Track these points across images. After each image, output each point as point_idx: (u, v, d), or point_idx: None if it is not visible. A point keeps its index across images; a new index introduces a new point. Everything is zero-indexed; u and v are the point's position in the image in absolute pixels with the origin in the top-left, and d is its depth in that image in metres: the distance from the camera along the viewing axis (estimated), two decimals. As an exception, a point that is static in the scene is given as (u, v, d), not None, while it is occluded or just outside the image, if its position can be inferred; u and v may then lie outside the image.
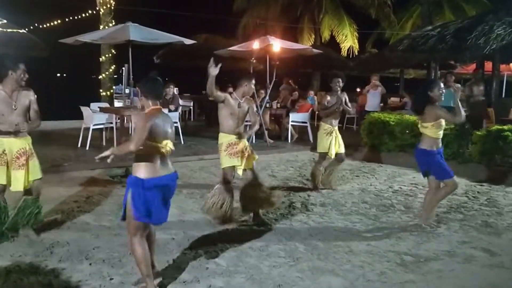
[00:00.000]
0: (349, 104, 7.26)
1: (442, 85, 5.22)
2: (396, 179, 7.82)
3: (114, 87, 14.96)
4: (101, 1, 14.04)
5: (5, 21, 13.04)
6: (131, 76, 10.76)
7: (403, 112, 10.95)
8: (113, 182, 7.06)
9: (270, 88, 11.39)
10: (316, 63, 17.64)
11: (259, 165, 7.59)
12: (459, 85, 10.99)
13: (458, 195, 6.59)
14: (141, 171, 3.32)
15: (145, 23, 11.12)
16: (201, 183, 7.19)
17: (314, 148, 10.62)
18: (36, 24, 13.99)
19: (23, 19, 14.46)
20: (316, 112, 15.10)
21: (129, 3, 14.10)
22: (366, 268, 4.13)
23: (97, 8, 14.11)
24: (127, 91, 11.71)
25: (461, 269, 4.18)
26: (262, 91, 11.68)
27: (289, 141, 11.25)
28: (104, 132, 10.04)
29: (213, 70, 5.09)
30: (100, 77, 14.59)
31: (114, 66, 14.54)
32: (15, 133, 4.42)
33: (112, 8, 14.15)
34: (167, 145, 3.37)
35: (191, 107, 15.81)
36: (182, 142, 9.98)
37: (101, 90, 14.55)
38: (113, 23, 13.56)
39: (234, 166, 5.19)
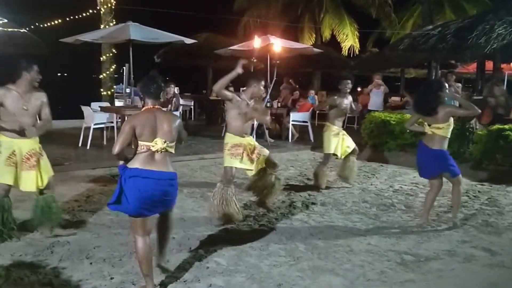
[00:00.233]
0: (354, 104, 7.26)
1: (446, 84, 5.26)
2: (397, 178, 7.82)
3: (114, 86, 14.95)
4: (102, 0, 14.04)
5: (5, 20, 13.05)
6: (132, 76, 10.78)
7: (403, 111, 10.95)
8: (113, 182, 7.06)
9: (271, 87, 11.38)
10: (317, 62, 17.64)
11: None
12: (459, 85, 10.98)
13: (461, 195, 6.57)
14: (131, 163, 3.39)
15: (146, 23, 11.14)
16: (202, 183, 7.20)
17: (315, 147, 10.66)
18: (36, 24, 14.01)
19: (23, 18, 14.47)
20: (317, 112, 15.14)
21: (129, 3, 14.11)
22: (366, 267, 4.13)
23: (98, 8, 14.09)
24: (127, 90, 11.71)
25: (461, 268, 4.18)
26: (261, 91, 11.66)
27: (290, 140, 11.25)
28: (105, 132, 10.05)
29: (239, 70, 5.13)
30: (101, 76, 14.58)
31: (114, 65, 14.53)
32: (25, 134, 4.42)
33: (113, 7, 14.13)
34: (157, 143, 3.35)
35: (192, 107, 15.82)
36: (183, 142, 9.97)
37: (101, 90, 14.55)
38: (114, 23, 13.55)
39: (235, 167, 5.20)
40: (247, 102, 5.25)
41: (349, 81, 6.81)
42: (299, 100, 13.57)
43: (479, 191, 6.95)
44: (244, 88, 11.04)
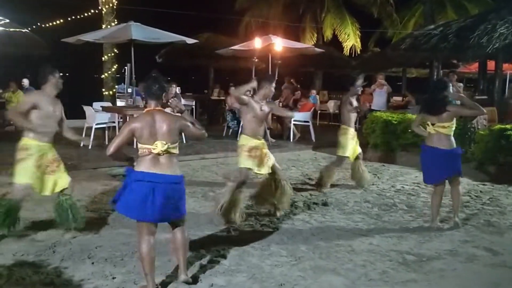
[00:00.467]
0: (363, 105, 7.34)
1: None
2: (399, 178, 7.81)
3: (116, 86, 14.99)
4: (104, 0, 14.05)
5: (7, 20, 13.08)
6: (134, 75, 10.79)
7: (406, 111, 10.93)
8: (115, 181, 7.07)
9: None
10: (318, 62, 17.63)
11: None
12: (461, 84, 10.97)
13: (461, 194, 6.56)
14: (138, 166, 3.42)
15: (147, 23, 11.15)
16: (203, 182, 7.20)
17: (316, 147, 10.66)
18: (38, 24, 14.05)
19: (25, 18, 14.52)
20: (318, 112, 15.13)
21: (131, 3, 14.13)
22: (368, 267, 4.12)
23: (100, 8, 14.12)
24: (129, 90, 11.75)
25: (463, 268, 4.17)
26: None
27: (291, 140, 11.24)
28: (106, 131, 10.06)
29: (253, 84, 5.28)
30: (103, 76, 14.60)
31: (116, 65, 14.56)
32: (50, 138, 4.60)
33: (115, 7, 14.16)
34: (157, 146, 3.33)
35: (193, 107, 15.82)
36: (184, 141, 9.99)
37: (103, 89, 14.57)
38: (116, 23, 13.58)
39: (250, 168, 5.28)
40: (260, 104, 5.30)
41: (360, 82, 6.86)
42: (301, 100, 13.57)
43: (481, 191, 6.94)
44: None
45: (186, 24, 18.30)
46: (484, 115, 7.92)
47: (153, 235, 3.50)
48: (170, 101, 3.50)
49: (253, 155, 5.26)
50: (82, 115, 9.91)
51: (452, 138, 5.08)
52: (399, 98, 15.47)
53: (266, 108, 5.34)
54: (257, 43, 11.23)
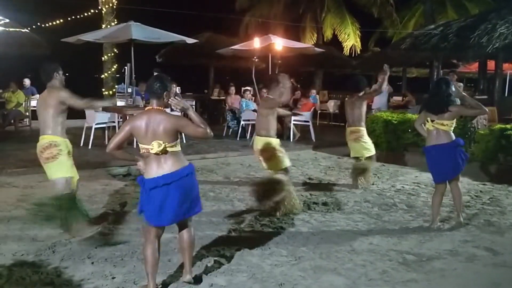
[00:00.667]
0: None
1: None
2: (399, 178, 7.81)
3: (116, 86, 14.99)
4: (104, 0, 14.05)
5: (7, 20, 13.09)
6: (134, 75, 10.79)
7: (406, 111, 10.93)
8: (115, 181, 7.07)
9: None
10: (319, 62, 17.64)
11: (260, 164, 7.58)
12: (461, 84, 10.96)
13: (461, 193, 6.56)
14: (146, 171, 3.41)
15: (147, 22, 11.14)
16: (203, 182, 7.18)
17: (316, 147, 10.66)
18: (38, 23, 14.05)
19: (25, 18, 14.51)
20: (318, 111, 15.13)
21: (131, 2, 14.14)
22: (368, 267, 4.12)
23: (100, 7, 14.12)
24: (129, 90, 11.73)
25: (463, 268, 4.16)
26: (265, 90, 11.67)
27: (291, 140, 11.24)
28: (106, 131, 10.07)
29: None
30: (103, 76, 14.61)
31: (116, 65, 14.56)
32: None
33: (114, 7, 14.17)
34: (154, 146, 3.30)
35: (193, 106, 15.81)
36: (184, 141, 9.99)
37: (103, 89, 14.58)
38: (116, 22, 13.59)
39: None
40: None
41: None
42: (301, 100, 13.57)
43: (481, 191, 6.93)
44: (248, 88, 11.23)
45: (186, 24, 18.32)
46: (484, 115, 7.92)
47: (159, 238, 3.50)
48: (169, 100, 3.43)
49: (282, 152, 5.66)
50: (82, 115, 9.90)
51: (451, 133, 5.07)
52: (399, 98, 15.46)
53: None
54: (257, 43, 11.23)
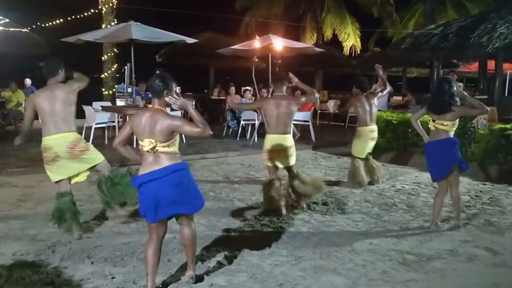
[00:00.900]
0: None
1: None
2: (399, 178, 7.80)
3: (116, 86, 14.97)
4: (103, 0, 14.04)
5: (7, 20, 13.06)
6: (133, 75, 10.78)
7: (406, 111, 10.93)
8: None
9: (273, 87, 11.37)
10: (318, 61, 17.62)
11: (261, 164, 7.60)
12: (461, 84, 10.96)
13: (461, 194, 6.56)
14: (140, 168, 3.47)
15: (147, 22, 11.13)
16: (203, 182, 7.18)
17: (316, 147, 10.65)
18: (38, 23, 14.04)
19: (25, 18, 14.49)
20: (318, 111, 15.12)
21: (131, 2, 14.13)
22: (369, 267, 4.12)
23: (99, 7, 14.11)
24: (129, 89, 11.73)
25: (463, 268, 4.16)
26: (265, 90, 11.68)
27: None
28: (106, 131, 10.07)
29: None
30: (103, 76, 14.60)
31: (116, 65, 14.55)
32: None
33: (114, 7, 14.16)
34: (145, 143, 3.33)
35: (193, 106, 15.78)
36: (184, 141, 9.99)
37: (103, 89, 14.57)
38: (116, 22, 13.57)
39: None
40: None
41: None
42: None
43: (481, 191, 6.93)
44: (248, 88, 11.24)
45: (187, 23, 18.30)
46: (484, 115, 7.93)
47: (161, 237, 3.50)
48: (167, 98, 3.39)
49: None
50: (81, 115, 9.90)
51: (451, 133, 5.06)
52: (399, 98, 15.48)
53: None
54: (257, 43, 11.22)
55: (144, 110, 3.48)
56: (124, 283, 3.69)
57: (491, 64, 13.57)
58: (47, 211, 5.07)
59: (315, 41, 21.39)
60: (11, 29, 13.02)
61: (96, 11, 14.14)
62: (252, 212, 5.64)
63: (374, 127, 7.08)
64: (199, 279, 3.73)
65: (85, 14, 14.17)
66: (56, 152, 4.52)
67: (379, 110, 10.57)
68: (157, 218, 3.39)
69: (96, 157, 4.75)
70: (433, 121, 5.07)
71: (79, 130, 9.72)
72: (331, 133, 12.90)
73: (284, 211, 5.52)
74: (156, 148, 3.32)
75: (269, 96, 11.49)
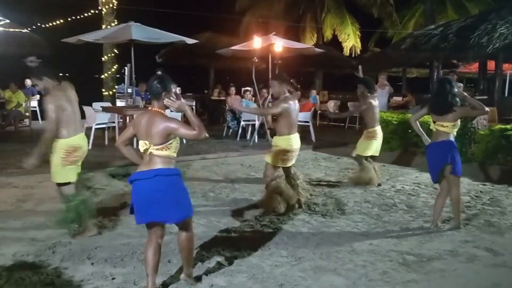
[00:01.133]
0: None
1: None
2: (399, 178, 7.80)
3: (116, 86, 14.98)
4: (104, 0, 14.05)
5: (8, 20, 13.08)
6: (134, 76, 10.78)
7: (406, 111, 10.93)
8: (115, 181, 7.07)
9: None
10: (319, 62, 17.62)
11: (261, 164, 7.60)
12: (461, 84, 10.96)
13: (461, 195, 6.56)
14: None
15: (147, 23, 11.14)
16: (203, 183, 7.20)
17: (316, 147, 10.66)
18: (38, 24, 14.05)
19: (25, 18, 14.51)
20: (318, 112, 15.13)
21: (131, 3, 14.13)
22: (369, 267, 4.12)
23: (100, 8, 14.12)
24: (129, 90, 11.73)
25: (464, 268, 4.16)
26: (265, 91, 11.69)
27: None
28: (106, 132, 10.06)
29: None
30: (103, 76, 14.61)
31: (116, 65, 14.56)
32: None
33: (115, 7, 14.17)
34: (140, 144, 3.35)
35: (193, 107, 15.81)
36: (184, 142, 9.99)
37: (103, 90, 14.58)
38: (116, 23, 13.58)
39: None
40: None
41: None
42: (301, 100, 13.55)
43: (481, 191, 6.93)
44: (248, 89, 11.26)
45: (187, 24, 18.32)
46: (484, 115, 7.92)
47: (160, 238, 3.48)
48: (165, 101, 3.36)
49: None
50: (81, 116, 9.88)
51: (452, 136, 5.05)
52: (399, 98, 15.48)
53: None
54: (257, 42, 11.21)
55: (144, 112, 3.48)
56: (124, 284, 3.70)
57: (491, 65, 13.57)
58: (47, 212, 5.07)
59: (315, 42, 21.40)
60: (12, 29, 13.04)
61: (96, 11, 14.15)
62: (252, 213, 5.64)
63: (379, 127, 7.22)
64: (196, 279, 3.73)
65: (85, 14, 14.19)
66: (85, 151, 4.76)
67: (381, 111, 10.59)
68: (141, 220, 3.37)
69: None
70: (434, 122, 5.07)
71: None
72: (331, 134, 12.90)
73: (283, 209, 5.58)
74: (150, 150, 3.32)
75: (270, 96, 11.53)
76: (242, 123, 11.40)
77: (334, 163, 9.17)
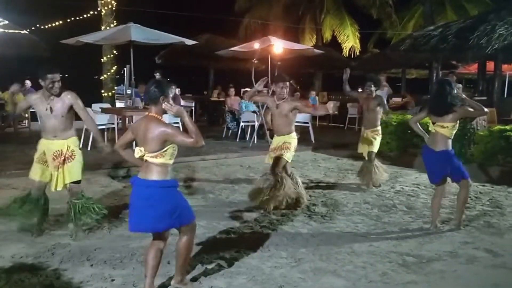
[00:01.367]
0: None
1: None
2: (398, 179, 7.80)
3: (115, 87, 14.98)
4: (103, 1, 14.05)
5: (6, 21, 13.06)
6: (133, 77, 10.78)
7: (405, 112, 10.93)
8: (115, 182, 7.07)
9: (272, 88, 11.37)
10: (318, 63, 17.64)
11: (260, 165, 7.60)
12: (460, 85, 10.95)
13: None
14: None
15: (147, 24, 11.14)
16: (203, 183, 7.19)
17: (315, 148, 10.66)
18: (37, 25, 14.03)
19: (24, 19, 14.49)
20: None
21: (130, 4, 14.12)
22: (368, 269, 4.11)
23: (99, 9, 14.12)
24: (128, 91, 11.72)
25: (463, 269, 4.16)
26: (265, 91, 11.68)
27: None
28: (106, 133, 10.05)
29: (259, 86, 5.77)
30: (102, 77, 14.60)
31: (115, 66, 14.56)
32: (53, 135, 4.69)
33: (114, 8, 14.16)
34: (135, 150, 3.36)
35: (193, 107, 15.82)
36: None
37: (102, 91, 14.57)
38: (115, 24, 13.58)
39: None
40: (276, 103, 5.79)
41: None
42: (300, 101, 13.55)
43: (480, 192, 6.93)
44: (248, 89, 11.28)
45: (186, 25, 18.29)
46: (483, 117, 7.93)
47: (162, 241, 3.48)
48: (163, 105, 3.33)
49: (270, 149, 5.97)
50: (81, 117, 9.89)
51: (449, 141, 5.04)
52: (398, 99, 15.49)
53: (284, 106, 5.72)
54: (256, 44, 11.22)
55: (143, 117, 3.44)
56: (124, 285, 3.69)
57: (490, 66, 13.59)
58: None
59: (314, 43, 21.43)
60: (11, 31, 13.02)
61: (96, 13, 14.15)
62: (252, 214, 5.63)
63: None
64: (194, 281, 3.73)
65: (85, 16, 14.18)
66: None
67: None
68: (132, 228, 3.40)
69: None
70: (433, 123, 5.06)
71: (79, 132, 9.75)
72: (330, 135, 12.90)
73: (271, 208, 5.64)
74: (145, 158, 3.32)
75: (273, 96, 11.53)
76: (242, 124, 11.41)
77: (334, 164, 9.17)
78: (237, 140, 11.21)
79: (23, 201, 4.69)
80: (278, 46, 10.84)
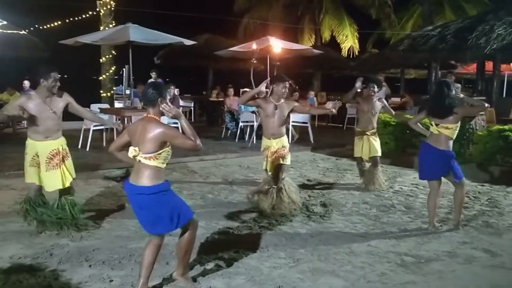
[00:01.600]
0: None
1: None
2: (397, 179, 7.80)
3: (114, 88, 14.96)
4: (102, 2, 14.05)
5: (5, 22, 13.06)
6: (132, 77, 10.77)
7: (404, 112, 10.94)
8: (113, 183, 7.06)
9: (271, 88, 11.36)
10: (317, 63, 17.66)
11: (259, 166, 7.60)
12: (459, 85, 10.95)
13: (463, 198, 6.55)
14: None
15: (146, 24, 11.13)
16: (202, 184, 7.19)
17: (315, 148, 10.66)
18: (36, 25, 14.04)
19: (23, 20, 14.50)
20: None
21: (129, 4, 14.11)
22: (367, 269, 4.11)
23: (98, 9, 14.11)
24: (127, 92, 11.71)
25: (462, 269, 4.16)
26: (264, 92, 11.67)
27: (290, 141, 11.18)
28: (104, 133, 10.05)
29: (262, 88, 5.64)
30: (101, 78, 14.59)
31: (114, 67, 14.55)
32: (46, 136, 4.72)
33: (113, 9, 14.15)
34: (130, 150, 3.37)
35: (192, 108, 15.81)
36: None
37: (101, 91, 14.56)
38: (114, 24, 13.57)
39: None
40: (274, 104, 5.66)
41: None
42: (299, 101, 13.56)
43: (479, 192, 6.94)
44: (247, 90, 11.41)
45: (185, 25, 18.29)
46: (482, 116, 7.95)
47: (160, 240, 3.48)
48: (161, 107, 3.32)
49: (265, 155, 5.71)
50: (80, 117, 9.86)
51: (451, 142, 5.05)
52: (397, 99, 15.50)
53: (283, 107, 5.67)
54: (255, 44, 11.24)
55: (140, 119, 3.44)
56: (122, 286, 3.68)
57: (489, 65, 13.60)
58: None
59: (313, 43, 21.44)
60: (9, 31, 13.02)
61: (94, 13, 14.14)
62: (251, 214, 5.63)
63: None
64: (193, 281, 3.73)
65: (83, 16, 14.17)
66: None
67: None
68: (146, 230, 3.50)
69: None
70: (436, 125, 5.04)
71: (78, 133, 9.74)
72: (329, 135, 12.90)
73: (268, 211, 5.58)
74: (138, 158, 3.31)
75: (269, 96, 11.53)
76: (241, 124, 11.40)
77: (333, 164, 9.17)
78: (236, 140, 11.20)
79: (33, 207, 4.79)
80: (277, 46, 10.85)
